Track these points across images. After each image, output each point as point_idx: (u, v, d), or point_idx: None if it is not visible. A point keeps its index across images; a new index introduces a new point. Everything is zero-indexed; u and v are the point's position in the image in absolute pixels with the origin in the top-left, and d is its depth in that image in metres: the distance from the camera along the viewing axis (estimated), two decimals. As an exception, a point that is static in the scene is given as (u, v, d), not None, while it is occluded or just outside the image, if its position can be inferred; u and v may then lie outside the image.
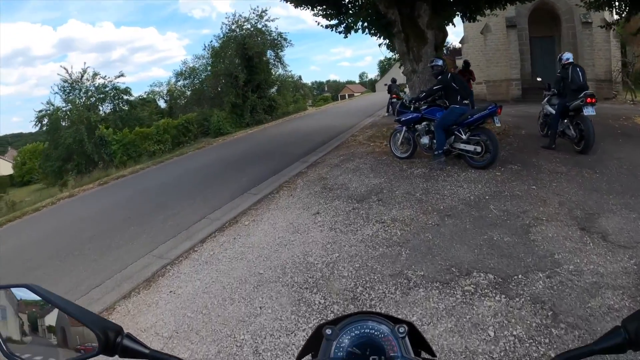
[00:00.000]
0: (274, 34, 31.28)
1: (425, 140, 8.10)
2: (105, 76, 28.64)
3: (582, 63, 20.22)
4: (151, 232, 7.03)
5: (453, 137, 7.68)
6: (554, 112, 8.59)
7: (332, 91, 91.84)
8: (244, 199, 7.96)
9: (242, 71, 28.96)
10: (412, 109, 8.40)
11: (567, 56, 8.49)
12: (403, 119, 8.51)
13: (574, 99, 7.96)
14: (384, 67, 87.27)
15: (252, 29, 30.06)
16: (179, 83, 34.38)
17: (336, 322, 0.92)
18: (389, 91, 19.96)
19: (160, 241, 6.43)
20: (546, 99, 9.39)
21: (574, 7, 19.18)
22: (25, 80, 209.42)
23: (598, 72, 19.56)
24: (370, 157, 9.35)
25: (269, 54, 32.35)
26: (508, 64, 21.21)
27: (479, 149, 7.39)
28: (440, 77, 7.96)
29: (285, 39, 31.89)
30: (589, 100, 7.63)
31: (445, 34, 11.38)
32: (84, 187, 13.77)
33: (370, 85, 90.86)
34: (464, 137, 7.52)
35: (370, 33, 12.69)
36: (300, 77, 46.04)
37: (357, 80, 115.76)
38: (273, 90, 34.66)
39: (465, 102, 7.82)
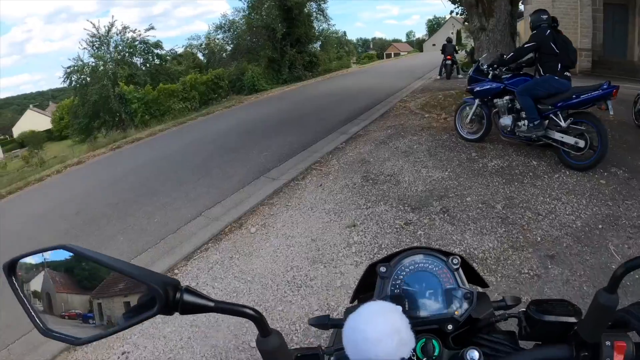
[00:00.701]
0: (317, -17, 28.76)
1: (506, 120, 5.86)
2: (136, 29, 26.75)
3: (661, 41, 17.64)
4: (131, 232, 5.32)
5: (547, 121, 5.54)
6: None
7: (378, 49, 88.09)
8: (259, 185, 6.10)
9: (281, 23, 26.64)
10: (490, 76, 6.10)
11: None
12: (477, 89, 6.22)
13: None
14: (433, 26, 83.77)
15: (293, -24, 27.45)
16: (219, 37, 31.79)
17: (389, 259, 0.93)
18: (443, 51, 17.44)
19: (133, 252, 4.69)
20: None
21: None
22: (69, 36, 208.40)
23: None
24: (426, 135, 7.24)
25: (312, 6, 29.87)
26: (579, 31, 18.21)
27: (581, 143, 5.19)
28: (535, 31, 5.71)
29: (329, -11, 29.29)
30: None
31: None
32: (96, 152, 12.26)
33: (417, 45, 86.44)
34: (563, 124, 5.31)
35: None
36: (344, 33, 43.68)
37: (404, 39, 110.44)
38: (316, 45, 32.36)
39: (568, 74, 5.57)
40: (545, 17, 5.70)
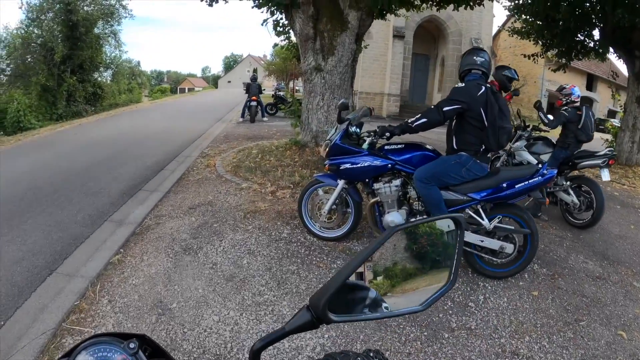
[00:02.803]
0: (111, -1, 23.56)
1: (396, 218, 3.39)
2: None
3: (465, 89, 19.80)
4: None
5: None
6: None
7: (172, 82, 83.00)
8: None
9: (62, 42, 21.09)
10: (366, 145, 3.57)
11: (579, 92, 5.67)
12: (347, 166, 3.62)
13: (576, 152, 5.49)
14: (229, 63, 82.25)
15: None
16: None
17: (71, 352, 0.77)
18: (248, 91, 15.05)
19: None
20: (520, 141, 5.81)
21: (464, 28, 18.82)
22: None
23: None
24: (256, 229, 4.34)
25: (103, 27, 24.85)
26: (388, 77, 19.00)
27: (509, 248, 3.34)
28: (464, 85, 3.31)
29: (124, 7, 24.70)
30: (612, 162, 5.25)
31: (371, 21, 6.90)
32: None
33: (213, 81, 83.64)
34: (487, 225, 3.27)
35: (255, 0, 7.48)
36: (138, 62, 39.08)
37: (199, 74, 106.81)
38: (105, 74, 27.18)
39: (489, 155, 3.45)
40: (481, 60, 3.35)
